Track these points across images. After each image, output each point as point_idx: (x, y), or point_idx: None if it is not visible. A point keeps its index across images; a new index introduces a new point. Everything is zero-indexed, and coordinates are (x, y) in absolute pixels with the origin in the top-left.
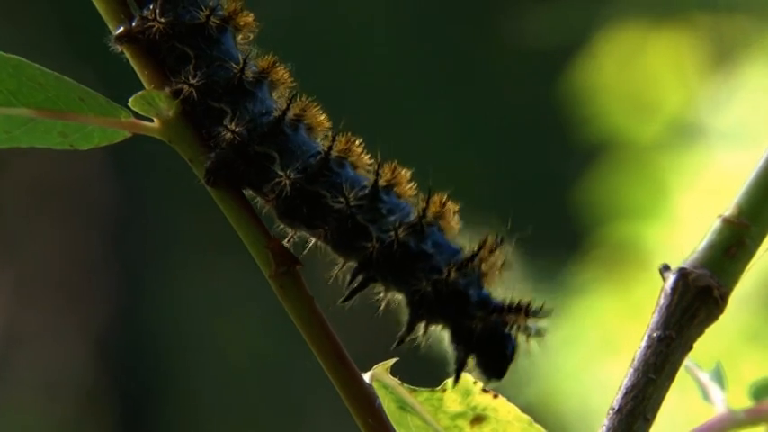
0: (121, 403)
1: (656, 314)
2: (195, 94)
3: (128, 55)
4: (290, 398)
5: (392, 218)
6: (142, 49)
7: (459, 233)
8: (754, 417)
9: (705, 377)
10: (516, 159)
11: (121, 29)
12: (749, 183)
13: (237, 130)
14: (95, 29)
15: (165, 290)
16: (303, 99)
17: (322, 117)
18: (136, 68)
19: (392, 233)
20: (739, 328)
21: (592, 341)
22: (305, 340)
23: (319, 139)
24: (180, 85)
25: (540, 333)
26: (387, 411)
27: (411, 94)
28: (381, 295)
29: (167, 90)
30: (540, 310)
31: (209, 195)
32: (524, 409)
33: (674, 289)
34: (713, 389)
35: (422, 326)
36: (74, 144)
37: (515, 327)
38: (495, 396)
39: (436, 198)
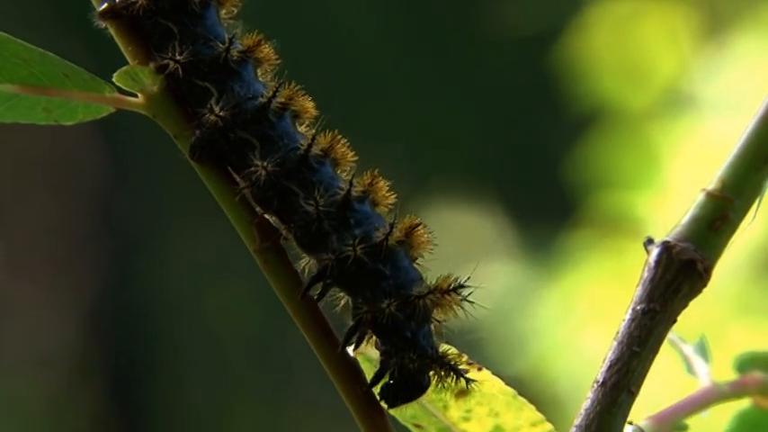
0: (111, 374)
1: (639, 287)
2: (180, 71)
3: (112, 31)
4: (280, 368)
5: (357, 230)
6: (126, 24)
7: (431, 251)
8: (738, 390)
9: (689, 350)
10: (510, 130)
11: (105, 5)
12: (732, 156)
13: (222, 114)
14: (82, 2)
15: (155, 261)
16: (291, 86)
17: (309, 104)
18: (120, 44)
19: (351, 248)
20: (730, 298)
21: (582, 310)
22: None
23: (304, 128)
24: (165, 61)
25: (461, 391)
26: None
27: (402, 69)
28: (341, 294)
29: (152, 65)
30: (467, 371)
31: (192, 168)
32: (511, 381)
33: (657, 262)
34: (697, 362)
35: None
36: (58, 119)
37: (436, 375)
38: (480, 369)
39: (407, 221)
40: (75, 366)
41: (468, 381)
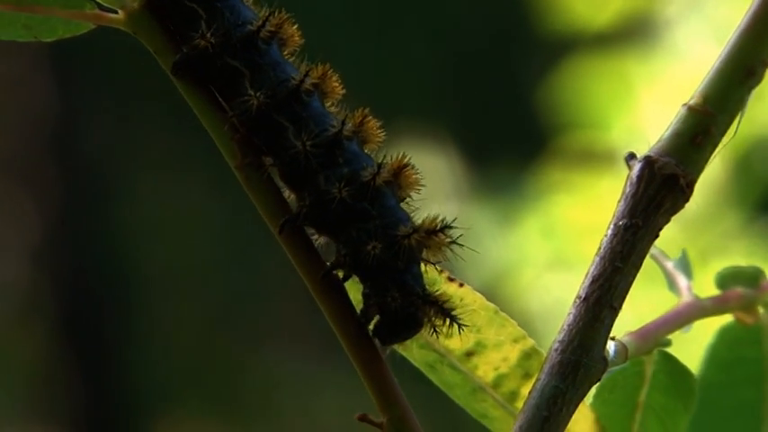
0: (61, 313)
1: (621, 202)
2: None
3: None
4: (246, 307)
5: (345, 170)
6: None
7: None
8: (720, 305)
9: (671, 265)
10: (473, 66)
11: None
12: (714, 70)
13: (212, 40)
14: None
15: (109, 195)
16: (280, 13)
17: (296, 33)
18: None
19: (336, 191)
20: (683, 225)
21: (552, 244)
22: (262, 241)
23: (289, 54)
24: None
25: (449, 327)
26: (354, 301)
27: (362, 2)
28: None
29: None
30: (459, 315)
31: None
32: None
33: (639, 177)
34: (679, 277)
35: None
36: (38, 36)
37: (426, 314)
38: (461, 285)
39: (395, 161)
40: (24, 306)
41: (460, 325)
